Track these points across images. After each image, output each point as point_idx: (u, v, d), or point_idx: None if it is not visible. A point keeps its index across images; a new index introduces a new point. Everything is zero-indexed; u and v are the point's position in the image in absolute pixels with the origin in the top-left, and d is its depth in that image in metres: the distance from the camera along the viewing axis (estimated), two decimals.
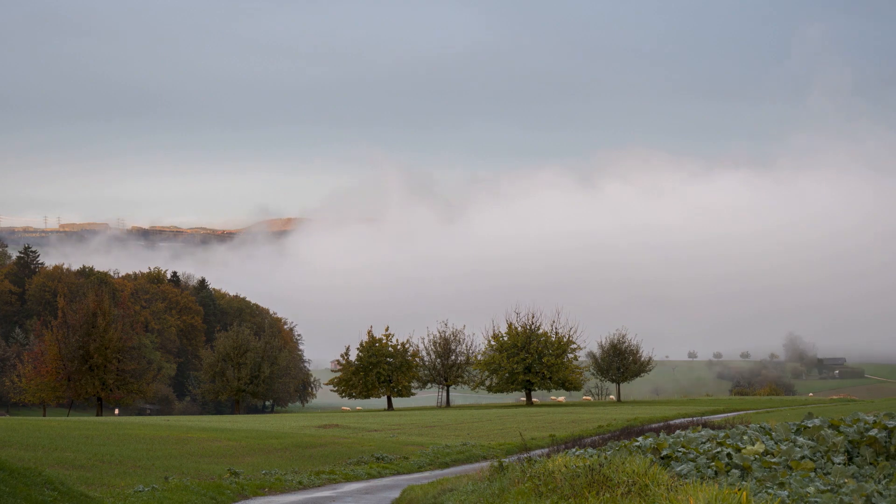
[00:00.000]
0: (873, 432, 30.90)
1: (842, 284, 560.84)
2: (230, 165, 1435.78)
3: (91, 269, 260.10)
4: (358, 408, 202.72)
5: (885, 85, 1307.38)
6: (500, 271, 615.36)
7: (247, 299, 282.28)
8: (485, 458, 62.63)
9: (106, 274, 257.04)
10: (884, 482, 25.97)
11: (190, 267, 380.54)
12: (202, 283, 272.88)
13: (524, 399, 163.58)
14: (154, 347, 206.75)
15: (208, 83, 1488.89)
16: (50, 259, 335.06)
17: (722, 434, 36.83)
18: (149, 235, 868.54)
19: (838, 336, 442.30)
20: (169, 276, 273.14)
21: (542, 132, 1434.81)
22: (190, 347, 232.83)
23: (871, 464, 29.65)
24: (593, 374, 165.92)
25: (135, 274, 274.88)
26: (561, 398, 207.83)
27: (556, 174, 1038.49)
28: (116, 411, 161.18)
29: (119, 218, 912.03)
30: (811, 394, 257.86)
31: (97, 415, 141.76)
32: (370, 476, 55.52)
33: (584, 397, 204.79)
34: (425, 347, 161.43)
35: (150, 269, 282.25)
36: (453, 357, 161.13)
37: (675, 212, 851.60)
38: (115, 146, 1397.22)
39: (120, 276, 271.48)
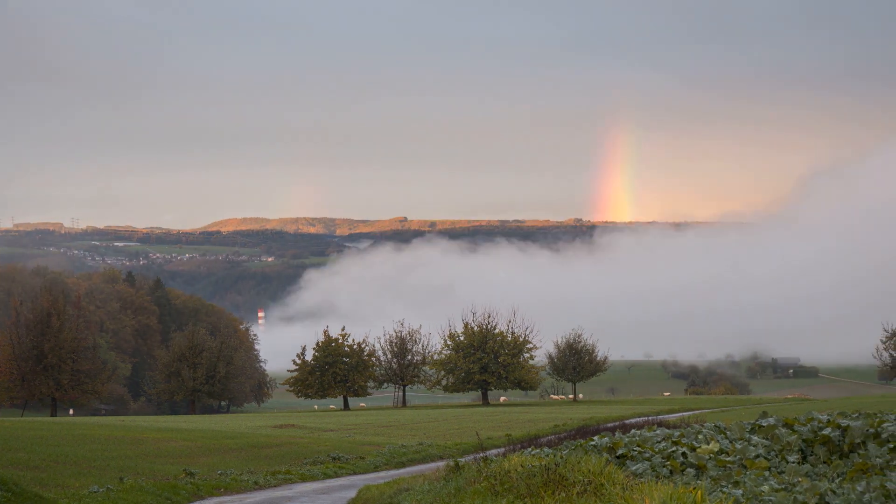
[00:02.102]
0: (827, 431, 31.11)
1: (797, 285, 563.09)
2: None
3: (45, 269, 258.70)
4: (331, 406, 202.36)
5: None
6: None
7: (202, 299, 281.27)
8: (441, 458, 62.62)
9: (60, 274, 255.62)
10: (837, 481, 26.13)
11: (143, 267, 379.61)
12: (158, 283, 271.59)
13: (504, 398, 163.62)
14: (109, 347, 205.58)
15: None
16: (3, 259, 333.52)
17: (677, 433, 36.99)
18: (104, 235, 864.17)
19: (793, 336, 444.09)
20: (124, 276, 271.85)
21: None
22: (145, 347, 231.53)
23: (824, 462, 29.84)
24: (549, 373, 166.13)
25: (89, 274, 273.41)
26: (554, 396, 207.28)
27: None
28: (71, 412, 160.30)
29: (74, 218, 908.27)
30: (754, 392, 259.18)
31: (51, 415, 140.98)
32: (326, 476, 55.45)
33: (568, 396, 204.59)
34: (381, 347, 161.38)
35: (104, 268, 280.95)
36: (409, 357, 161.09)
37: None
38: (69, 144, 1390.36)
39: (75, 275, 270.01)
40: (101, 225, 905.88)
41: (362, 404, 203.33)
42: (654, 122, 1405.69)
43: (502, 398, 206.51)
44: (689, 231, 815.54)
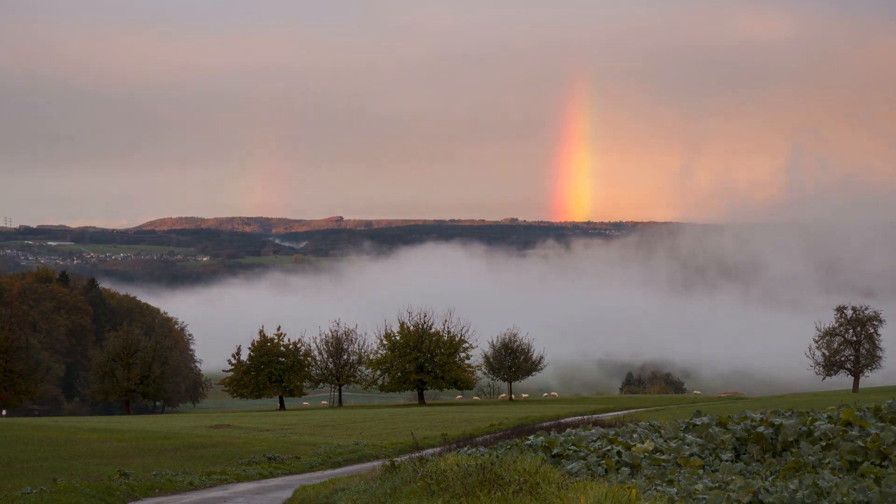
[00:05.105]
0: (760, 429, 31.36)
1: None
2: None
3: None
4: (263, 405, 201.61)
5: None
6: None
7: (137, 299, 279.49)
8: (377, 458, 62.60)
9: None
10: (770, 479, 26.35)
11: (77, 266, 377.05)
12: (92, 282, 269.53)
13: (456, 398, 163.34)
14: (42, 348, 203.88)
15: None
16: None
17: (612, 432, 37.15)
18: (37, 234, 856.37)
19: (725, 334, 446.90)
20: (57, 275, 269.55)
21: None
22: (79, 348, 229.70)
23: (757, 461, 30.08)
24: (485, 373, 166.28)
25: (22, 273, 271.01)
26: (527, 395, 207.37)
27: None
28: (3, 412, 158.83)
29: (6, 217, 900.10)
30: (697, 391, 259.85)
31: None
32: (262, 476, 55.32)
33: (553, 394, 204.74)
34: (317, 347, 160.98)
35: (37, 268, 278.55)
36: (345, 356, 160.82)
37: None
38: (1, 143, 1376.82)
39: (8, 275, 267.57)
40: (34, 224, 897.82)
41: (305, 403, 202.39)
42: (594, 124, 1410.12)
43: (458, 396, 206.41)
44: (625, 231, 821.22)
